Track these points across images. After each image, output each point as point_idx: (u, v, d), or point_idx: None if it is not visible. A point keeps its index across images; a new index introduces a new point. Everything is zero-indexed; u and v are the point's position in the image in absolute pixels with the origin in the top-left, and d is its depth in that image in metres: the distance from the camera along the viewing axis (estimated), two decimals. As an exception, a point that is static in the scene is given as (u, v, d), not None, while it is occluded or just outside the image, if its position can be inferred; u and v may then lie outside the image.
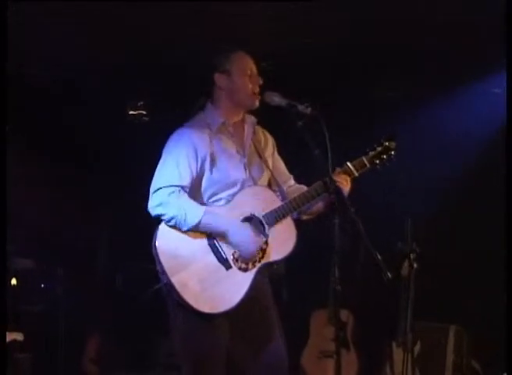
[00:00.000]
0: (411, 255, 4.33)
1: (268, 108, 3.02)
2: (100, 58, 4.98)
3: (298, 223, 3.09)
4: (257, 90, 3.03)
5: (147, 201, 3.00)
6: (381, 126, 4.95)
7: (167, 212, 2.87)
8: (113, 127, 5.64)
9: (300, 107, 2.88)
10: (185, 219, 2.86)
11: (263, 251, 2.96)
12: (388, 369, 4.72)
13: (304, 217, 3.15)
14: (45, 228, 5.39)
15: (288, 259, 3.11)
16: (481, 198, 4.99)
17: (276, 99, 2.95)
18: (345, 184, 2.95)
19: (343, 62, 4.96)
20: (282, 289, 5.51)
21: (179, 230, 2.90)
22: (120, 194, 5.57)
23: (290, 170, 3.30)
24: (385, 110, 5.17)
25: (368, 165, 3.05)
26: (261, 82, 3.04)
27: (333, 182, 2.83)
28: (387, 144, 3.07)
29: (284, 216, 2.98)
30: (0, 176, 3.11)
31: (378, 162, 3.06)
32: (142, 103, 5.77)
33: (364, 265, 4.52)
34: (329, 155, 2.79)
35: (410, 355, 4.35)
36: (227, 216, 2.94)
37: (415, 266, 4.33)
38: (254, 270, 2.94)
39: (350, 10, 4.24)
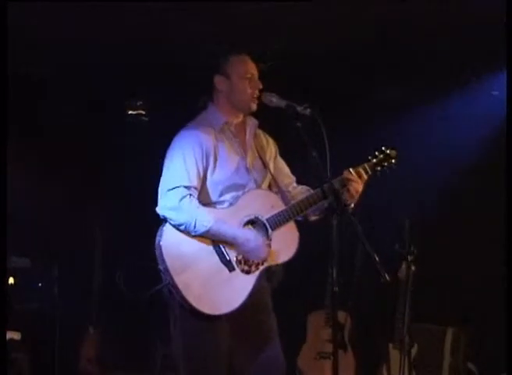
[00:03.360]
0: (409, 257, 4.34)
1: (267, 110, 3.02)
2: (99, 58, 4.97)
3: (299, 224, 3.09)
4: (256, 94, 3.04)
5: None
6: (380, 127, 4.96)
7: (178, 217, 2.89)
8: (112, 127, 5.64)
9: (299, 108, 2.89)
10: (194, 226, 2.87)
11: None
12: (385, 371, 4.72)
13: (312, 218, 3.16)
14: (42, 227, 5.39)
15: (286, 261, 3.10)
16: (481, 200, 4.98)
17: (274, 100, 2.96)
18: (358, 185, 2.99)
19: (343, 62, 4.96)
20: (279, 290, 5.51)
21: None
22: (119, 193, 5.56)
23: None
24: (385, 111, 5.17)
25: (369, 171, 3.08)
26: (260, 86, 3.05)
27: (331, 184, 2.83)
28: (388, 151, 3.12)
29: (287, 220, 3.00)
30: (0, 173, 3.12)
31: (379, 168, 3.10)
32: (141, 103, 5.77)
33: (362, 267, 4.53)
34: (328, 156, 2.79)
35: (407, 357, 4.36)
36: (231, 218, 2.96)
37: (413, 268, 4.34)
38: (257, 273, 2.95)
39: (349, 10, 4.24)
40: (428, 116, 5.14)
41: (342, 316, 4.85)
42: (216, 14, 4.28)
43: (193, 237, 2.91)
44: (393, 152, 3.12)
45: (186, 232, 2.90)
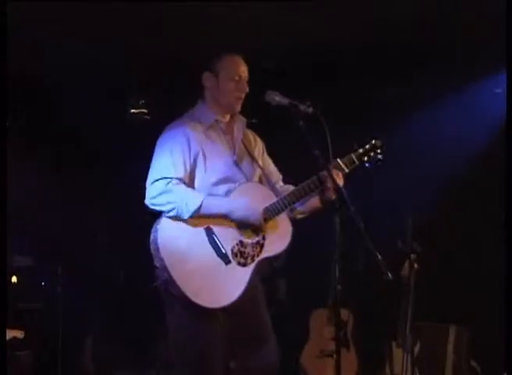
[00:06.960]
0: (412, 256, 4.34)
1: (269, 108, 3.03)
2: (101, 57, 4.98)
3: (295, 222, 3.10)
4: (241, 96, 3.10)
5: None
6: (381, 126, 4.95)
7: (169, 200, 2.91)
8: (114, 126, 5.64)
9: (302, 107, 2.90)
10: (186, 205, 2.90)
11: (260, 245, 3.00)
12: (387, 369, 4.72)
13: (299, 216, 3.20)
14: (45, 226, 5.40)
15: (288, 258, 3.11)
16: (482, 198, 4.98)
17: (277, 98, 2.98)
18: (338, 180, 2.97)
19: (343, 61, 4.96)
20: (282, 288, 5.51)
21: (181, 219, 2.93)
22: (121, 192, 5.57)
23: (289, 169, 3.33)
24: (386, 110, 5.17)
25: (356, 161, 3.07)
26: (247, 90, 3.10)
27: (334, 180, 2.84)
28: (373, 142, 3.11)
29: (280, 211, 3.03)
30: (0, 173, 3.13)
31: (366, 159, 3.08)
32: (143, 101, 5.77)
33: (365, 264, 4.53)
34: (330, 154, 2.80)
35: (409, 355, 4.36)
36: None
37: (416, 266, 4.34)
38: (253, 265, 2.98)
39: (350, 10, 4.24)
40: (429, 114, 5.13)
41: (345, 314, 4.85)
42: (217, 15, 4.28)
43: (188, 232, 2.92)
44: (378, 142, 3.10)
45: (179, 219, 2.92)
